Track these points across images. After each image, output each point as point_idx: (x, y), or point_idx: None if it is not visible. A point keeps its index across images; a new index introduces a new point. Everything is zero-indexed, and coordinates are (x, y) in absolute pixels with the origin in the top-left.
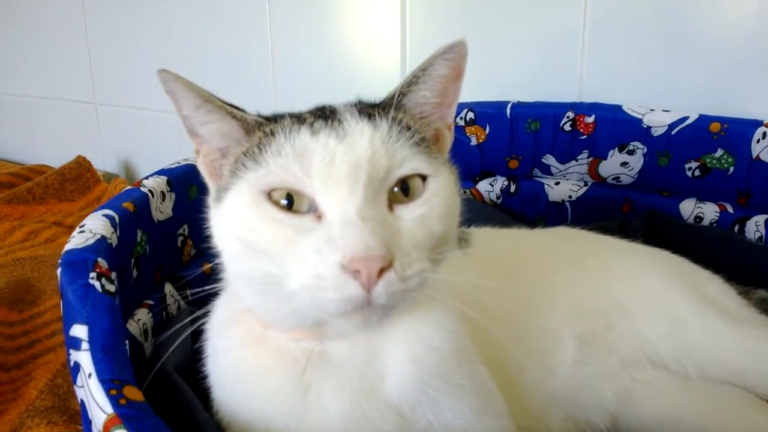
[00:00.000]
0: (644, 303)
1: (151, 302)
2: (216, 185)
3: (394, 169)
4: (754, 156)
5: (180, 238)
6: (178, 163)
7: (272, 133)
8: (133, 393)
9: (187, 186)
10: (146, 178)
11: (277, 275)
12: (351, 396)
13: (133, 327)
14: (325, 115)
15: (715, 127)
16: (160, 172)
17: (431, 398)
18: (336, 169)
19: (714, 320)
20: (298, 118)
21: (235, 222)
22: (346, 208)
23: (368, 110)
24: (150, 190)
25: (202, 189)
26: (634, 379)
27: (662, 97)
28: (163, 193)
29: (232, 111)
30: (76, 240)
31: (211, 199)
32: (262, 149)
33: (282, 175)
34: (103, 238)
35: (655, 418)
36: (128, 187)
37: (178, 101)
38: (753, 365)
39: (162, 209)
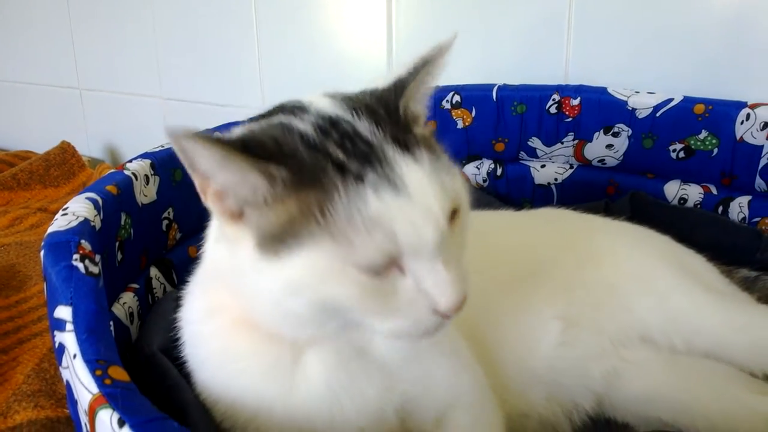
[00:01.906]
0: (630, 280)
1: (137, 286)
2: (248, 232)
3: (451, 203)
4: (737, 137)
5: (165, 222)
6: (162, 146)
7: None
8: (119, 373)
9: (171, 170)
10: (129, 161)
11: (353, 324)
12: (338, 360)
13: (118, 310)
14: (367, 157)
15: (699, 108)
16: (144, 156)
17: (416, 354)
18: (421, 235)
19: (699, 294)
20: (341, 168)
21: (305, 286)
22: (434, 265)
23: (396, 135)
24: (133, 173)
25: (187, 173)
26: (622, 359)
27: (648, 79)
28: (146, 176)
29: (267, 169)
30: (59, 222)
31: (231, 237)
32: (324, 212)
33: (370, 254)
34: (86, 221)
35: (641, 396)
36: (111, 171)
37: (191, 161)
38: (736, 337)
39: (146, 192)
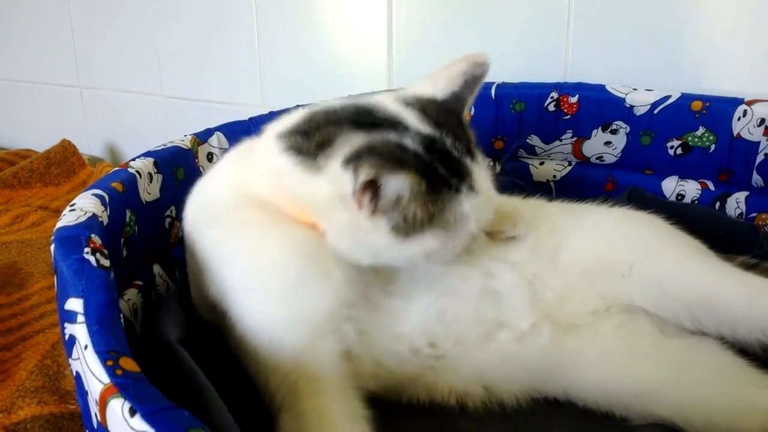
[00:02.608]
0: (614, 243)
1: (141, 283)
2: (383, 223)
3: None
4: (735, 134)
5: (168, 220)
6: (164, 145)
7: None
8: (129, 364)
9: (174, 168)
10: (133, 159)
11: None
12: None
13: (123, 306)
14: (458, 172)
15: (696, 105)
16: (147, 154)
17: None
18: (488, 218)
19: (689, 252)
20: (446, 183)
21: (418, 256)
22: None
23: (467, 147)
24: (137, 171)
25: (189, 171)
26: (606, 348)
27: (647, 77)
28: (150, 174)
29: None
30: (68, 218)
31: (365, 227)
32: (438, 213)
33: (462, 236)
34: (94, 216)
35: (631, 389)
36: (116, 168)
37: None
38: (735, 288)
39: (149, 190)
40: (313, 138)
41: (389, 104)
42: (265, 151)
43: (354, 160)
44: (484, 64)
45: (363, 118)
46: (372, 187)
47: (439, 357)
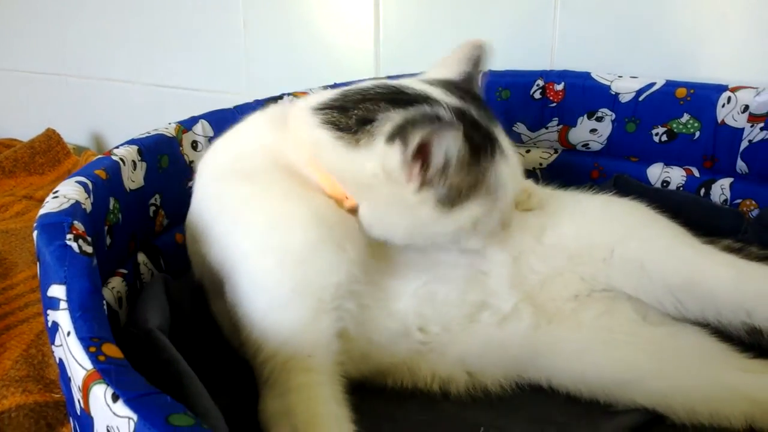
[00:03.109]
0: (597, 227)
1: (125, 271)
2: (430, 197)
3: None
4: (719, 120)
5: (152, 208)
6: (148, 133)
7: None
8: (112, 350)
9: (158, 156)
10: (116, 147)
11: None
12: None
13: (107, 294)
14: (490, 138)
15: (681, 92)
16: (131, 142)
17: None
18: (520, 183)
19: (671, 236)
20: (483, 149)
21: (465, 226)
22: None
23: (489, 115)
24: (121, 159)
25: (174, 159)
26: (586, 337)
27: (633, 64)
28: (134, 161)
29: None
30: (51, 204)
31: (411, 202)
32: (482, 179)
33: (506, 201)
34: (77, 203)
35: (612, 377)
36: (99, 156)
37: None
38: (719, 269)
39: (133, 178)
40: (352, 114)
41: (416, 84)
42: (301, 122)
43: (399, 133)
44: (481, 47)
45: (397, 96)
46: (421, 155)
47: (426, 342)
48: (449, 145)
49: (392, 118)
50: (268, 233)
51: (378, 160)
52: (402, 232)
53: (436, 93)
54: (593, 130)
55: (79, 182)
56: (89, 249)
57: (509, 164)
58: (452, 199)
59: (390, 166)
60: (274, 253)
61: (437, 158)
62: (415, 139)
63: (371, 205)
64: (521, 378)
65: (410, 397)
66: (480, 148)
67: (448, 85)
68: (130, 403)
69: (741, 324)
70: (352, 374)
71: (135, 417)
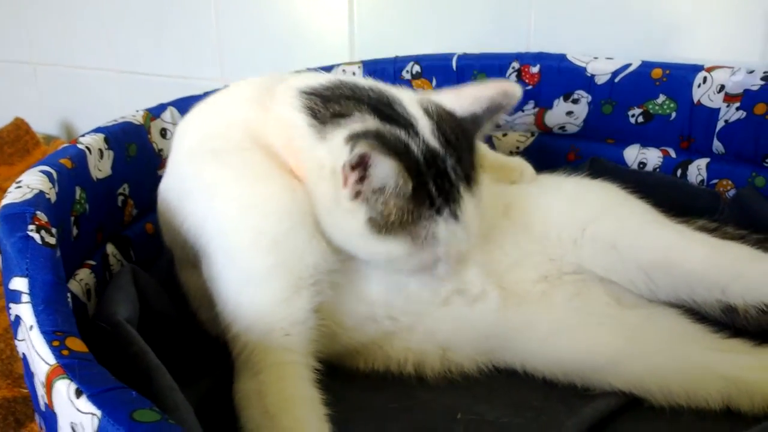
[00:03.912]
0: (566, 208)
1: (93, 262)
2: (362, 210)
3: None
4: (695, 101)
5: (120, 198)
6: (115, 120)
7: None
8: (76, 344)
9: (126, 144)
10: (83, 135)
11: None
12: None
13: (74, 286)
14: (448, 196)
15: (657, 73)
16: (97, 130)
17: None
18: (463, 249)
19: (643, 215)
20: (431, 200)
21: (384, 255)
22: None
23: (467, 173)
24: (87, 147)
25: (142, 148)
26: (557, 319)
27: (609, 45)
28: (100, 150)
29: (407, 177)
30: (13, 195)
31: (346, 207)
32: (412, 223)
33: (429, 253)
34: (41, 193)
35: (587, 362)
36: (65, 145)
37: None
38: (694, 247)
39: (100, 167)
40: (331, 106)
41: (410, 104)
42: (285, 102)
43: (359, 136)
44: (514, 97)
45: (383, 107)
46: (362, 169)
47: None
48: (385, 172)
49: (365, 121)
50: (245, 213)
51: (331, 152)
52: (338, 235)
53: (423, 125)
54: (569, 113)
55: (43, 171)
56: (52, 240)
57: (454, 228)
58: (380, 226)
59: (337, 162)
60: (250, 232)
61: (375, 178)
62: (361, 148)
63: (317, 199)
64: (497, 361)
65: (386, 384)
66: (428, 198)
67: (445, 121)
68: (94, 399)
69: (715, 302)
70: (322, 354)
71: (99, 413)
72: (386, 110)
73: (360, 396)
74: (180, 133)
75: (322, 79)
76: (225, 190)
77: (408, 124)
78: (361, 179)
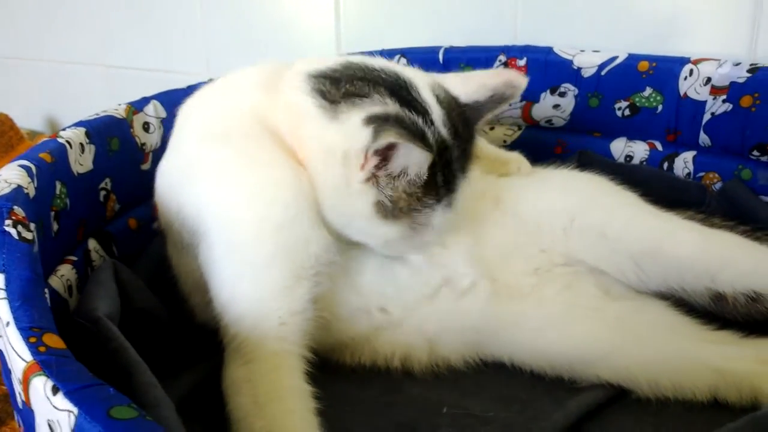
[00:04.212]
0: (556, 199)
1: (75, 258)
2: (371, 193)
3: None
4: (681, 93)
5: (102, 193)
6: (97, 114)
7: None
8: (54, 341)
9: (108, 138)
10: (63, 129)
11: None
12: None
13: (56, 282)
14: (450, 185)
15: (643, 65)
16: (79, 124)
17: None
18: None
19: (631, 204)
20: (437, 188)
21: (384, 236)
22: None
23: (465, 165)
24: (68, 141)
25: (124, 142)
26: (548, 313)
27: (596, 38)
28: (81, 144)
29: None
30: None
31: (355, 189)
32: (417, 209)
33: (427, 240)
34: (19, 188)
35: (575, 353)
36: (44, 139)
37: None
38: (684, 234)
39: (81, 162)
40: (343, 86)
41: (424, 88)
42: (293, 87)
43: (379, 121)
44: (518, 88)
45: (400, 89)
46: (384, 155)
47: (386, 320)
48: (413, 162)
49: (386, 104)
50: (250, 199)
51: (346, 133)
52: (339, 217)
53: (437, 113)
54: (556, 106)
55: (22, 166)
56: (29, 235)
57: (448, 216)
58: (386, 210)
59: (353, 144)
60: (255, 218)
61: (396, 165)
62: (390, 137)
63: (323, 183)
64: (484, 355)
65: (373, 379)
66: (434, 189)
67: (452, 110)
68: (71, 396)
69: (705, 290)
70: (313, 346)
71: (75, 410)
72: (404, 94)
73: (347, 390)
74: (184, 115)
75: (329, 62)
76: (231, 174)
77: (423, 112)
78: (380, 164)
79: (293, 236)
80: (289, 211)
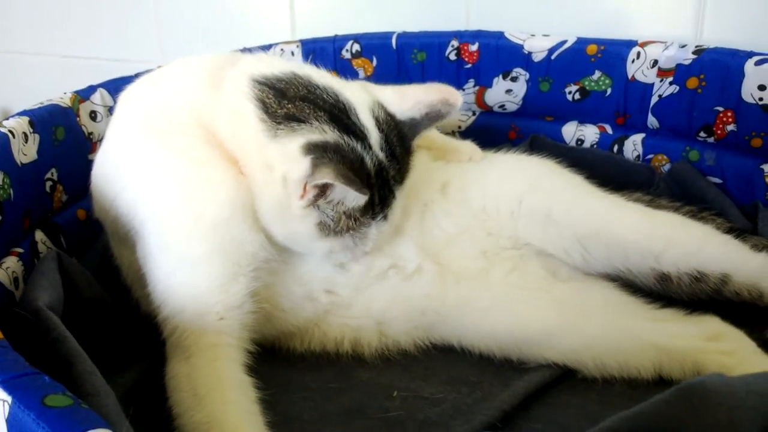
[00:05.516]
0: (503, 182)
1: (21, 250)
2: (313, 215)
3: None
4: (629, 76)
5: (48, 183)
6: (41, 103)
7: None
8: None
9: (52, 127)
10: (6, 119)
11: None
12: None
13: (1, 275)
14: (385, 202)
15: (592, 49)
16: (22, 113)
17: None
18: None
19: (578, 187)
20: (373, 207)
21: (327, 249)
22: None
23: (401, 178)
24: (10, 131)
25: (70, 131)
26: (493, 294)
27: (547, 23)
28: (25, 134)
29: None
30: None
31: (297, 213)
32: (353, 226)
33: (363, 250)
34: None
35: (520, 334)
36: None
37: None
38: (627, 215)
39: (25, 151)
40: (285, 104)
41: (363, 111)
42: (237, 90)
43: (317, 153)
44: (453, 106)
45: (341, 114)
46: (321, 188)
47: (333, 303)
48: (350, 198)
49: (325, 132)
50: (185, 197)
51: (285, 156)
52: (282, 235)
53: (374, 137)
54: (509, 91)
55: None
56: None
57: (384, 228)
58: (329, 230)
59: (291, 172)
60: (188, 216)
61: (334, 197)
62: (325, 176)
63: (264, 199)
64: (433, 338)
65: (324, 366)
66: (372, 207)
67: (391, 132)
68: (4, 385)
69: (649, 270)
70: (257, 336)
71: (9, 399)
72: (343, 119)
73: (297, 378)
74: (122, 104)
75: (275, 69)
76: (167, 171)
77: (363, 137)
78: (319, 195)
79: (228, 236)
80: (223, 212)
